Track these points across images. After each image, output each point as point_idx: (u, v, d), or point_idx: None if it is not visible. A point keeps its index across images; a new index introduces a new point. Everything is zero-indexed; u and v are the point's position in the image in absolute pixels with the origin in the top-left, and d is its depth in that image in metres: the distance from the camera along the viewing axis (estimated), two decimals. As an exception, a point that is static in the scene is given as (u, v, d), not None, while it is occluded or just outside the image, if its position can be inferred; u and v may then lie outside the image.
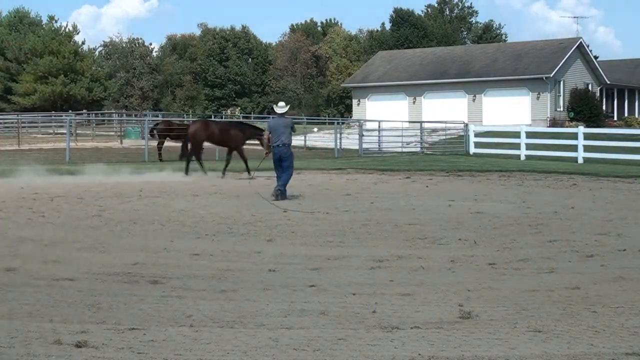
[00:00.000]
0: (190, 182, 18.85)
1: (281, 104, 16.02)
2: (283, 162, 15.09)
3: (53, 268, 7.97)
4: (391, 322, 5.81)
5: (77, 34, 75.10)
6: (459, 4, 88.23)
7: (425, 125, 40.98)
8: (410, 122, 45.94)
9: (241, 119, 55.86)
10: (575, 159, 27.93)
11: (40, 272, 7.77)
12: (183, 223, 11.42)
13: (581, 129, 29.32)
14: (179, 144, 29.75)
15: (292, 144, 15.49)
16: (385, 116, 45.95)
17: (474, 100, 50.65)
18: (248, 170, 20.04)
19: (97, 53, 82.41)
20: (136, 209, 13.25)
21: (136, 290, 6.97)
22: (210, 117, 49.47)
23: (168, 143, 29.60)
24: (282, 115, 15.60)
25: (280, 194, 14.64)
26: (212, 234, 10.42)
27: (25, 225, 11.22)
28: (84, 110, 62.52)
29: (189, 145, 21.04)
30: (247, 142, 21.33)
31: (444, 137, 41.19)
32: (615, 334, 5.49)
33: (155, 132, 29.88)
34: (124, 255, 8.69)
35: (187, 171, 20.36)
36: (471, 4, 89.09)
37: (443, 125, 41.74)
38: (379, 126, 37.80)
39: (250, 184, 17.76)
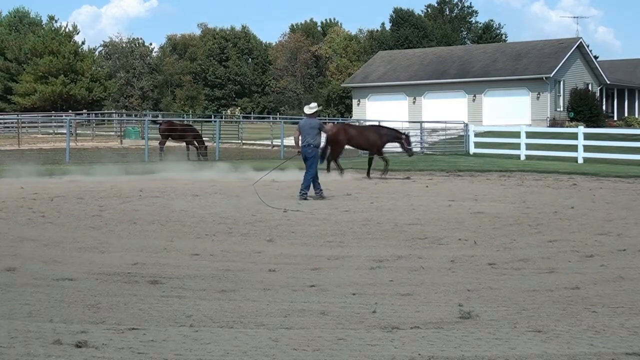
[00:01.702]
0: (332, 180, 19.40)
1: (313, 104, 16.02)
2: (306, 162, 15.19)
3: (53, 268, 7.96)
4: (391, 322, 5.81)
5: (77, 34, 75.13)
6: (459, 3, 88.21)
7: (425, 125, 40.99)
8: (410, 122, 45.97)
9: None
10: (575, 159, 27.94)
11: (40, 272, 7.76)
12: (183, 223, 11.42)
13: (581, 129, 29.33)
14: (181, 144, 29.95)
15: (319, 145, 15.59)
16: (385, 116, 45.97)
17: (474, 100, 50.66)
18: (386, 170, 20.64)
19: (97, 53, 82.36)
20: (136, 209, 13.25)
21: (136, 290, 6.97)
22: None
23: (169, 143, 29.64)
24: (310, 115, 15.58)
25: (306, 195, 14.86)
26: (212, 234, 10.41)
27: (25, 225, 11.22)
28: (84, 110, 62.57)
29: (329, 148, 21.22)
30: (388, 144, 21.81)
31: (444, 137, 41.22)
32: (615, 334, 5.49)
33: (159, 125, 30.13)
34: (124, 255, 8.69)
35: (328, 170, 20.83)
36: (471, 3, 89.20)
37: (443, 125, 41.76)
38: (379, 126, 37.75)
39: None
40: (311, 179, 15.12)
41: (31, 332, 5.50)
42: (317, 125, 15.44)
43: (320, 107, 17.14)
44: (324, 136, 17.71)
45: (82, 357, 4.96)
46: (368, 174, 20.72)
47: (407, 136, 21.80)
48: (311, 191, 15.01)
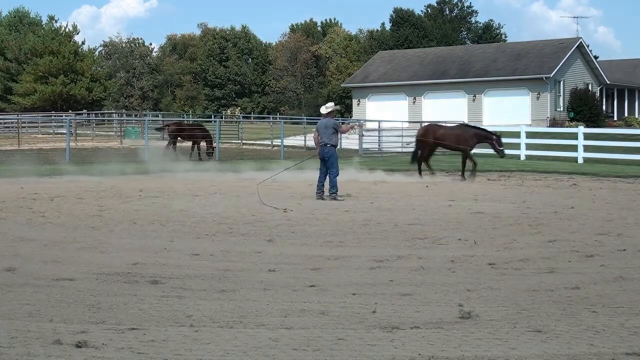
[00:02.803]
0: (423, 182, 19.47)
1: (329, 104, 16.01)
2: (325, 162, 15.20)
3: (53, 268, 7.96)
4: (391, 322, 5.81)
5: (77, 34, 75.16)
6: (459, 3, 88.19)
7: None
8: (410, 122, 45.96)
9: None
10: (575, 159, 27.93)
11: (40, 272, 7.76)
12: (183, 223, 11.42)
13: (581, 129, 29.32)
14: (188, 144, 29.94)
15: (337, 145, 15.56)
16: (385, 116, 45.97)
17: (474, 100, 50.66)
18: (475, 172, 20.23)
19: (97, 53, 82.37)
20: (136, 209, 13.24)
21: (136, 290, 6.97)
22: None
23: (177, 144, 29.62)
24: (326, 115, 15.55)
25: (335, 194, 14.90)
26: (212, 234, 10.41)
27: (25, 225, 11.22)
28: (84, 110, 62.60)
29: (419, 149, 21.02)
30: (478, 144, 21.14)
31: (444, 137, 41.12)
32: (615, 334, 5.49)
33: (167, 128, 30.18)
34: (124, 255, 8.68)
35: (420, 172, 20.66)
36: (470, 3, 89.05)
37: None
38: (379, 126, 37.82)
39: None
40: (336, 179, 15.11)
41: (31, 332, 5.50)
42: (332, 125, 15.41)
43: (338, 107, 16.87)
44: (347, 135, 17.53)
45: (82, 357, 4.96)
46: (462, 174, 20.21)
47: (499, 137, 20.95)
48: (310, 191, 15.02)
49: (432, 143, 20.95)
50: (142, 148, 29.27)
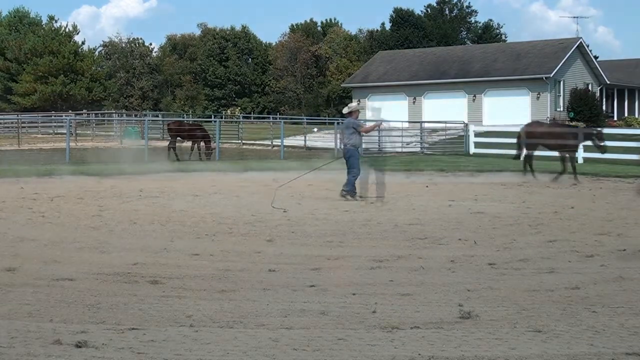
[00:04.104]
0: (523, 182, 19.34)
1: (351, 104, 16.03)
2: (346, 163, 15.19)
3: (53, 268, 7.96)
4: (391, 322, 5.81)
5: (77, 34, 75.12)
6: (458, 3, 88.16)
7: (425, 125, 40.99)
8: (410, 122, 45.97)
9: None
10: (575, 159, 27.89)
11: (40, 272, 7.76)
12: (183, 223, 11.42)
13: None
14: (189, 144, 29.95)
15: (358, 146, 15.52)
16: (385, 116, 45.94)
17: (474, 100, 50.64)
18: (559, 176, 19.56)
19: (96, 53, 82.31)
20: (136, 209, 13.25)
21: (136, 290, 6.97)
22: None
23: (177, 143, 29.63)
24: (348, 115, 15.52)
25: (347, 193, 14.85)
26: (212, 234, 10.41)
27: (25, 225, 11.22)
28: (84, 110, 62.59)
29: (522, 146, 20.71)
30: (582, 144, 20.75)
31: (444, 137, 41.20)
32: (615, 334, 5.49)
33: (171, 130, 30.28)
34: (124, 255, 8.68)
35: (525, 171, 20.26)
36: (470, 3, 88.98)
37: (443, 125, 41.74)
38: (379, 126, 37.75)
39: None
40: (354, 179, 15.05)
41: (31, 332, 5.50)
42: (352, 125, 15.35)
43: (359, 107, 16.81)
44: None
45: (82, 357, 4.96)
46: (575, 176, 19.36)
47: (600, 132, 20.54)
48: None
49: (533, 142, 20.48)
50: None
